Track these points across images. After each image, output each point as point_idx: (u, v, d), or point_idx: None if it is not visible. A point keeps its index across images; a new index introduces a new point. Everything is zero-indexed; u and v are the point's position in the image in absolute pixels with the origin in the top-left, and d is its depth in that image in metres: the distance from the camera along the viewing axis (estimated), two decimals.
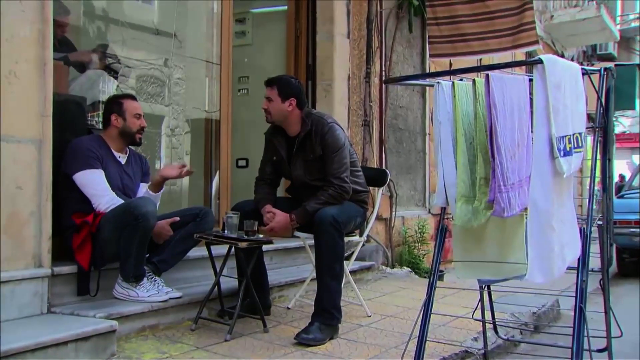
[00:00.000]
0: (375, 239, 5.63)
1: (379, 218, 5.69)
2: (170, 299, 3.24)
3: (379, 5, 5.91)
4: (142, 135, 3.43)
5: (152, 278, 3.23)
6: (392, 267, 5.70)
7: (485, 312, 3.11)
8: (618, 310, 2.75)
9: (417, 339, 2.63)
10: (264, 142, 3.73)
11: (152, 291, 3.19)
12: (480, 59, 5.44)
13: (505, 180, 2.33)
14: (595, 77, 2.55)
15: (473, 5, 4.52)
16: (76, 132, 3.44)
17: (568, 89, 2.33)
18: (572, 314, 2.41)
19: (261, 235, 3.32)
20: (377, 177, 4.00)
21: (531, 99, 2.36)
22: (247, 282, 3.25)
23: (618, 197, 7.49)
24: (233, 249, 3.28)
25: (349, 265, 3.82)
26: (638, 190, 7.44)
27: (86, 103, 3.98)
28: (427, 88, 6.74)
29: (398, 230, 6.16)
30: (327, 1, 5.41)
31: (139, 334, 3.07)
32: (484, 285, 3.04)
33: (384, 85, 5.99)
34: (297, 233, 3.62)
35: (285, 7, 5.57)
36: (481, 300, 3.07)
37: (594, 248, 2.59)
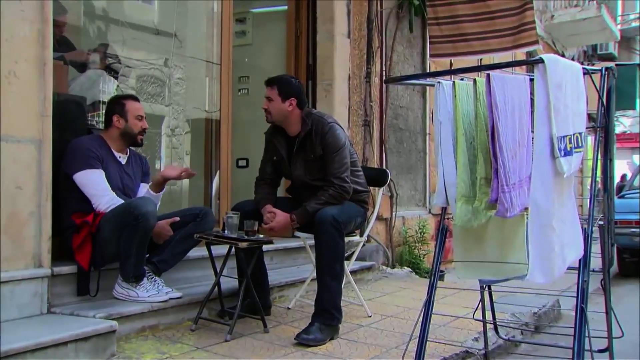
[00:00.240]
0: (375, 239, 5.63)
1: (379, 218, 5.68)
2: (171, 299, 3.24)
3: (379, 5, 5.91)
4: (143, 136, 3.42)
5: (152, 278, 3.23)
6: (393, 267, 5.70)
7: (486, 312, 3.10)
8: (619, 310, 2.75)
9: (417, 339, 2.62)
10: (264, 142, 3.73)
11: (152, 291, 3.18)
12: (481, 59, 5.44)
13: (508, 180, 2.32)
14: (596, 77, 2.54)
15: (474, 5, 4.52)
16: (76, 132, 3.43)
17: (569, 88, 2.33)
18: (573, 314, 2.40)
19: (261, 236, 3.32)
20: (377, 177, 3.99)
21: (532, 99, 2.36)
22: (248, 282, 3.24)
23: (619, 197, 7.48)
24: (233, 249, 3.27)
25: (349, 266, 3.81)
26: (638, 190, 7.43)
27: (86, 103, 3.98)
28: (428, 88, 6.73)
29: (398, 230, 6.16)
30: (327, 1, 5.41)
31: (139, 334, 3.07)
32: (484, 286, 3.04)
33: (384, 85, 5.98)
34: (297, 233, 3.62)
35: (286, 7, 5.57)
36: (482, 300, 3.06)
37: (595, 248, 2.58)
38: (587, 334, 2.39)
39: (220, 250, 3.41)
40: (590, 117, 2.58)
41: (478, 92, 2.45)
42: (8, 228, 2.75)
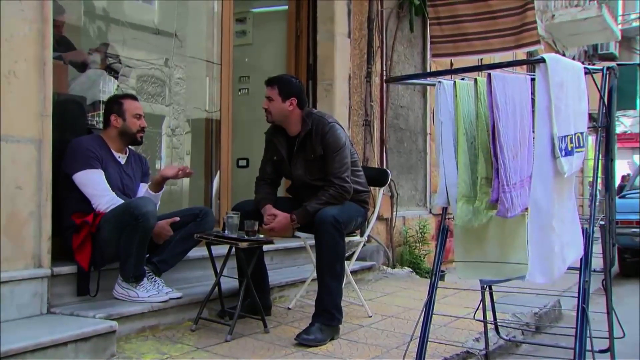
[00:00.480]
0: (376, 239, 5.62)
1: (379, 218, 5.68)
2: (171, 299, 3.23)
3: (379, 4, 5.90)
4: (143, 134, 3.41)
5: (152, 278, 3.22)
6: (393, 267, 5.69)
7: (487, 312, 3.10)
8: (620, 310, 2.74)
9: (418, 339, 2.62)
10: (264, 142, 3.72)
11: (152, 291, 3.17)
12: (481, 59, 5.43)
13: (508, 180, 2.32)
14: (597, 77, 2.53)
15: (475, 4, 4.52)
16: (76, 132, 3.43)
17: (570, 88, 2.32)
18: (574, 314, 2.40)
19: (262, 236, 3.31)
20: (378, 177, 3.99)
21: (533, 99, 2.35)
22: (248, 283, 3.24)
23: (620, 197, 7.48)
24: (233, 249, 3.27)
25: (349, 266, 3.81)
26: (639, 191, 7.43)
27: (86, 103, 3.97)
28: (428, 88, 6.72)
29: (399, 230, 6.15)
30: (327, 1, 5.40)
31: (139, 335, 3.06)
32: (485, 286, 3.03)
33: (384, 85, 5.98)
34: (297, 233, 3.61)
35: (286, 7, 5.56)
36: (482, 300, 3.05)
37: (596, 248, 2.57)
38: (588, 335, 2.38)
39: (220, 250, 3.41)
40: (591, 117, 2.57)
41: (479, 91, 2.44)
42: (8, 228, 2.74)
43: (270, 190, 3.64)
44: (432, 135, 6.95)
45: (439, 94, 2.56)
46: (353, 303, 3.93)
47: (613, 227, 2.65)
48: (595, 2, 10.87)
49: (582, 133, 2.40)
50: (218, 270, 3.31)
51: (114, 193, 3.18)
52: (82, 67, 4.22)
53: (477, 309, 3.10)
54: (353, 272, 4.23)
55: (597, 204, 2.57)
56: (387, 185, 4.06)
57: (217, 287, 3.32)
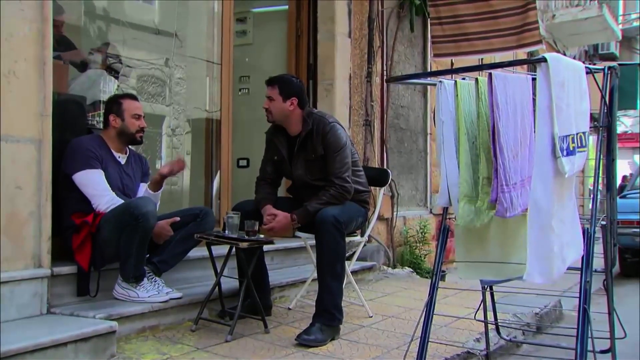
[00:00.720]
0: (376, 239, 5.62)
1: (380, 218, 5.67)
2: (171, 299, 3.23)
3: (380, 4, 5.90)
4: (142, 134, 3.40)
5: (152, 278, 3.22)
6: (394, 267, 5.68)
7: (488, 312, 3.09)
8: (620, 310, 2.73)
9: (419, 339, 2.61)
10: (264, 141, 3.72)
11: (152, 292, 3.17)
12: (482, 59, 5.42)
13: (508, 180, 2.31)
14: (598, 76, 2.53)
15: (476, 4, 4.51)
16: (76, 132, 3.42)
17: (572, 87, 2.31)
18: (575, 314, 2.39)
19: (262, 236, 3.31)
20: (378, 177, 3.98)
21: (534, 99, 2.34)
22: (248, 283, 3.23)
23: (620, 197, 7.47)
24: (234, 249, 3.26)
25: (350, 266, 3.80)
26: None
27: (86, 102, 3.97)
28: (429, 87, 6.72)
29: (399, 230, 6.14)
30: (328, 0, 5.40)
31: (139, 335, 3.06)
32: (486, 286, 3.02)
33: (385, 85, 5.97)
34: (298, 233, 3.61)
35: (286, 7, 5.56)
36: (483, 300, 3.05)
37: (597, 248, 2.57)
38: (589, 335, 2.37)
39: (220, 250, 3.40)
40: (592, 117, 2.57)
41: (480, 91, 2.44)
42: (8, 228, 2.74)
43: (270, 190, 3.63)
44: (432, 135, 6.95)
45: (440, 93, 2.56)
46: (353, 303, 3.93)
47: (614, 227, 2.64)
48: (596, 1, 10.86)
49: (584, 133, 2.39)
50: (218, 271, 3.31)
51: (113, 193, 3.18)
52: (82, 66, 4.21)
53: (477, 309, 3.09)
54: (353, 272, 4.22)
55: (597, 204, 2.56)
56: (387, 185, 4.05)
57: (217, 287, 3.32)
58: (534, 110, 2.34)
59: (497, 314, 3.24)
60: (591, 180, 2.58)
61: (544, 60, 2.22)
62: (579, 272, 2.45)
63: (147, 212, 3.02)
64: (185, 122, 5.32)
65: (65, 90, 3.73)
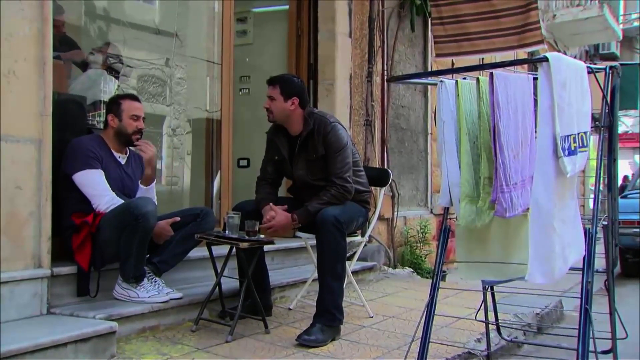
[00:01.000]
0: (377, 239, 5.61)
1: (380, 218, 5.66)
2: (171, 299, 3.22)
3: (380, 4, 5.89)
4: (139, 136, 3.35)
5: (152, 279, 3.21)
6: (394, 267, 5.68)
7: (489, 313, 3.08)
8: (621, 311, 2.73)
9: (419, 340, 2.61)
10: (265, 141, 3.71)
11: (153, 292, 3.16)
12: (482, 58, 5.42)
13: (508, 180, 2.31)
14: (600, 76, 2.52)
15: (477, 4, 4.52)
16: (76, 132, 3.42)
17: (573, 87, 2.31)
18: (576, 314, 2.39)
19: (262, 236, 3.30)
20: (379, 177, 3.98)
21: (535, 100, 2.34)
22: (248, 283, 3.23)
23: (621, 197, 7.46)
24: (234, 250, 3.26)
25: (350, 266, 3.80)
26: None
27: (86, 102, 3.96)
28: (429, 87, 6.71)
29: (400, 230, 6.14)
30: (328, 0, 5.39)
31: (139, 335, 3.05)
32: (487, 286, 3.02)
33: (386, 85, 5.96)
34: (298, 233, 3.61)
35: (287, 7, 5.55)
36: (484, 301, 3.04)
37: (599, 249, 2.56)
38: (591, 336, 2.37)
39: (221, 250, 3.39)
40: (592, 117, 2.56)
41: (481, 91, 2.43)
42: (7, 228, 2.73)
43: (271, 190, 3.63)
44: (433, 135, 6.94)
45: (441, 93, 2.55)
46: (354, 303, 3.92)
47: (616, 228, 2.64)
48: (597, 1, 10.84)
49: (585, 132, 2.38)
50: (218, 271, 3.30)
51: (113, 193, 3.17)
52: (84, 66, 4.21)
53: (478, 310, 3.09)
54: (354, 273, 4.22)
55: (599, 204, 2.56)
56: (388, 185, 4.05)
57: (217, 288, 3.31)
58: (535, 110, 2.33)
59: (498, 314, 3.23)
60: (592, 180, 2.58)
61: (546, 59, 2.21)
62: (580, 272, 2.44)
63: (147, 212, 3.01)
64: (185, 122, 5.31)
65: (65, 90, 3.72)
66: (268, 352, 2.98)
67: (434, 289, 2.62)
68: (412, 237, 6.18)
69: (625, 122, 20.95)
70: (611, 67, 2.50)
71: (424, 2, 6.26)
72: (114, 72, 4.45)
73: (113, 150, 3.33)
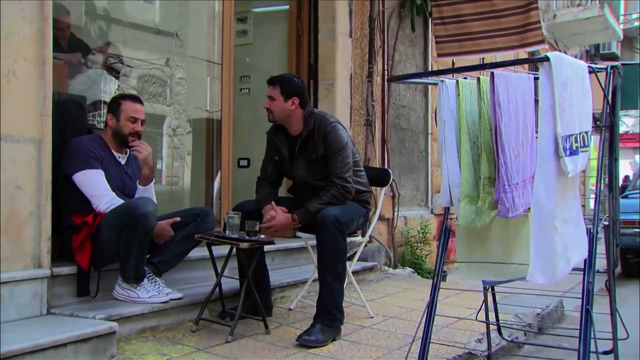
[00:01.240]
0: (377, 239, 5.60)
1: (381, 218, 5.66)
2: (171, 300, 3.22)
3: (381, 4, 5.88)
4: (135, 138, 3.31)
5: (152, 279, 3.21)
6: (395, 267, 5.67)
7: (489, 313, 3.08)
8: (622, 311, 2.72)
9: (420, 340, 2.60)
10: (265, 141, 3.71)
11: (153, 292, 3.16)
12: (483, 58, 5.42)
13: (510, 180, 2.30)
14: (601, 76, 2.51)
15: (478, 4, 4.52)
16: (76, 132, 3.41)
17: (575, 87, 2.30)
18: (576, 315, 2.38)
19: (262, 236, 3.30)
20: (379, 177, 3.97)
21: (536, 100, 2.33)
22: (249, 283, 3.22)
23: (622, 198, 7.46)
24: (234, 250, 3.25)
25: (351, 266, 3.79)
26: None
27: (86, 102, 3.96)
28: (430, 87, 6.71)
29: (400, 230, 6.13)
30: (329, 0, 5.39)
31: (139, 336, 3.05)
32: (487, 286, 3.01)
33: (386, 85, 5.96)
34: (299, 233, 3.60)
35: (287, 6, 5.55)
36: (485, 301, 3.04)
37: (600, 249, 2.56)
38: (592, 336, 2.36)
39: (221, 250, 3.39)
40: (593, 117, 2.55)
41: (482, 90, 2.42)
42: (7, 228, 2.73)
43: (271, 190, 3.62)
44: (433, 135, 6.94)
45: (442, 93, 2.54)
46: (354, 304, 3.91)
47: (617, 228, 2.63)
48: (597, 1, 10.83)
49: (586, 132, 2.38)
50: (219, 271, 3.30)
51: (114, 193, 3.17)
52: (84, 67, 4.20)
53: (479, 310, 3.08)
54: (354, 273, 4.21)
55: (600, 204, 2.55)
56: (388, 185, 4.04)
57: (217, 288, 3.31)
58: (536, 110, 2.32)
59: (499, 314, 3.23)
60: (593, 180, 2.58)
61: (547, 59, 2.20)
62: (581, 272, 2.44)
63: (147, 212, 3.01)
64: (186, 122, 5.30)
65: (65, 90, 3.72)
66: (268, 352, 2.98)
67: (434, 289, 2.62)
68: (412, 237, 6.17)
69: (626, 122, 20.94)
70: (612, 67, 2.50)
71: (424, 2, 6.25)
72: (114, 72, 4.45)
73: (113, 150, 3.33)
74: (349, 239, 3.40)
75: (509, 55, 4.86)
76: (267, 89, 3.52)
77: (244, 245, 3.15)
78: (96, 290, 3.09)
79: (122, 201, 3.14)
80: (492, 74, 2.24)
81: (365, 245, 4.13)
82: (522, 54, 5.98)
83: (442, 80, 2.54)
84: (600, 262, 2.59)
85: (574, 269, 2.45)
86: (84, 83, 4.12)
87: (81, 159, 3.13)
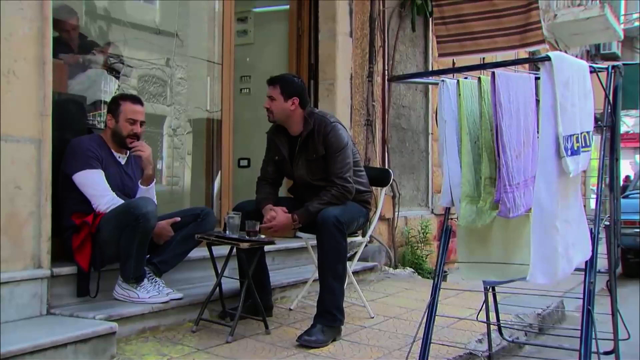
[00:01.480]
0: (378, 240, 5.60)
1: (381, 218, 5.65)
2: (171, 300, 3.21)
3: (381, 4, 5.88)
4: (134, 140, 3.30)
5: (152, 279, 3.20)
6: (395, 267, 5.67)
7: (490, 313, 3.07)
8: (623, 311, 2.72)
9: (421, 340, 2.60)
10: (265, 141, 3.70)
11: (153, 292, 3.16)
12: (484, 58, 5.42)
13: (511, 179, 2.30)
14: (601, 76, 2.51)
15: (479, 3, 4.53)
16: (76, 132, 3.41)
17: (576, 86, 2.30)
18: (578, 315, 2.38)
19: (263, 236, 3.29)
20: (380, 177, 3.97)
21: (537, 100, 2.33)
22: (249, 283, 3.22)
23: (622, 198, 7.45)
24: (234, 250, 3.25)
25: (351, 266, 3.79)
26: None
27: (86, 102, 3.95)
28: (430, 87, 6.70)
29: (401, 230, 6.13)
30: (329, 0, 5.38)
31: (139, 336, 3.04)
32: (488, 287, 3.01)
33: (386, 85, 5.95)
34: (299, 233, 3.60)
35: (287, 6, 5.54)
36: (485, 301, 3.03)
37: (601, 249, 2.55)
38: (593, 336, 2.36)
39: (221, 250, 3.38)
40: (594, 117, 2.55)
41: (483, 90, 2.42)
42: (7, 228, 2.72)
43: (271, 190, 3.62)
44: (434, 135, 6.93)
45: (442, 92, 2.54)
46: (355, 304, 3.91)
47: (618, 228, 2.63)
48: (598, 1, 10.82)
49: (588, 132, 2.37)
50: (219, 271, 3.29)
51: (114, 193, 3.16)
52: (82, 68, 4.20)
53: (480, 310, 3.08)
54: (355, 273, 4.21)
55: (601, 204, 2.55)
56: (389, 185, 4.04)
57: (218, 288, 3.30)
58: (537, 110, 2.32)
59: (500, 314, 3.22)
60: (594, 180, 2.57)
61: (548, 59, 2.20)
62: (581, 272, 2.43)
63: (147, 213, 3.01)
64: (186, 122, 5.30)
65: (65, 90, 3.71)
66: (269, 352, 2.97)
67: (435, 290, 2.61)
68: (413, 238, 6.17)
69: (626, 122, 20.94)
70: (614, 67, 2.49)
71: (424, 1, 6.25)
72: (114, 72, 4.45)
73: (113, 150, 3.32)
74: (349, 239, 3.39)
75: (510, 55, 4.85)
76: (267, 89, 3.51)
77: (244, 245, 3.15)
78: (96, 291, 3.09)
79: (122, 201, 3.13)
80: (493, 73, 2.23)
81: (366, 245, 4.13)
82: (523, 53, 5.97)
83: (442, 80, 2.54)
84: (601, 262, 2.58)
85: (575, 269, 2.44)
86: (84, 83, 4.12)
87: (81, 159, 3.13)
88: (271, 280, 3.72)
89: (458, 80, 2.49)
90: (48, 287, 2.89)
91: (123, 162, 3.37)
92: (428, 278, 5.48)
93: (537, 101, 2.33)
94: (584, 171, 2.54)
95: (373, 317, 3.75)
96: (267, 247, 3.50)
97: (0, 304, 2.65)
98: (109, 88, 4.31)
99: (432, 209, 6.98)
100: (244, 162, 5.32)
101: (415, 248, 6.11)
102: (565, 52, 11.43)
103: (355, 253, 3.94)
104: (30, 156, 2.82)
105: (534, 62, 2.34)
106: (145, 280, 3.16)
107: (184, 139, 5.29)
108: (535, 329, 3.94)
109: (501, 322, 3.29)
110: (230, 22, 4.82)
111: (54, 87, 2.98)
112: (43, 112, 2.87)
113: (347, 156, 3.43)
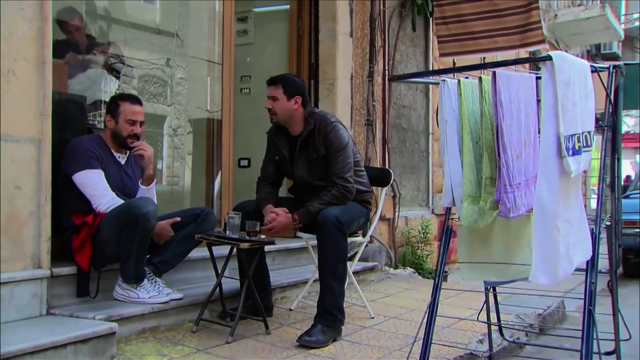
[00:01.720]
0: (378, 240, 5.60)
1: (382, 218, 5.65)
2: (171, 300, 3.21)
3: (382, 4, 5.88)
4: (134, 140, 3.30)
5: (152, 279, 3.20)
6: (395, 267, 5.66)
7: (491, 313, 3.07)
8: (623, 311, 2.71)
9: (421, 341, 2.59)
10: (266, 141, 3.70)
11: (153, 292, 3.15)
12: (484, 58, 5.41)
13: (511, 179, 2.29)
14: (603, 75, 2.50)
15: (480, 3, 4.53)
16: (76, 132, 3.40)
17: (577, 86, 2.29)
18: (578, 315, 2.37)
19: (263, 236, 3.29)
20: (380, 177, 3.96)
21: (538, 100, 2.32)
22: (249, 283, 3.22)
23: (623, 198, 7.43)
24: (235, 250, 3.24)
25: (352, 266, 3.78)
26: None
27: (86, 102, 3.95)
28: (431, 87, 6.69)
29: (401, 230, 6.12)
30: (329, 0, 5.38)
31: (139, 336, 3.04)
32: (489, 287, 3.00)
33: (387, 85, 5.95)
34: (299, 233, 3.59)
35: (288, 6, 5.54)
36: (486, 301, 3.03)
37: (602, 249, 2.55)
38: (594, 337, 2.35)
39: (221, 250, 3.38)
40: (595, 117, 2.54)
41: (483, 90, 2.41)
42: (7, 228, 2.72)
43: (271, 190, 3.61)
44: (434, 134, 6.93)
45: (443, 92, 2.53)
46: (355, 304, 3.91)
47: (619, 228, 2.62)
48: (598, 1, 10.81)
49: (589, 132, 2.37)
50: (219, 271, 3.29)
51: (113, 193, 3.16)
52: (82, 68, 4.20)
53: (480, 310, 3.07)
54: (355, 273, 4.20)
55: (602, 204, 2.54)
56: (389, 185, 4.03)
57: (218, 288, 3.30)
58: (539, 110, 2.31)
59: (500, 315, 3.22)
60: (594, 180, 2.57)
61: (550, 58, 2.19)
62: (582, 273, 2.43)
63: (147, 213, 3.00)
64: (186, 122, 5.30)
65: (65, 90, 3.71)
66: (269, 353, 2.97)
67: (435, 290, 2.61)
68: (413, 238, 6.17)
69: (627, 122, 20.94)
70: (615, 67, 2.49)
71: (425, 1, 6.24)
72: (114, 72, 4.45)
73: (113, 150, 3.32)
74: (349, 239, 3.39)
75: (510, 54, 4.85)
76: (267, 89, 3.50)
77: (245, 245, 3.14)
78: (96, 291, 3.08)
79: (122, 201, 3.13)
80: (494, 73, 2.22)
81: (366, 245, 4.12)
82: (523, 53, 5.97)
83: (443, 80, 2.53)
84: (602, 263, 2.58)
85: (575, 270, 2.43)
86: (84, 83, 4.11)
87: (81, 159, 3.12)
88: (271, 281, 3.71)
89: (459, 80, 2.48)
90: (48, 287, 2.88)
91: (123, 162, 3.37)
92: (428, 278, 5.47)
93: (538, 101, 2.33)
94: (585, 171, 2.54)
95: (373, 318, 3.75)
96: (267, 247, 3.50)
97: (0, 304, 2.64)
98: (109, 88, 4.31)
99: (433, 209, 6.98)
100: (244, 162, 5.32)
101: (416, 248, 6.10)
102: (566, 52, 11.41)
103: (356, 253, 3.93)
104: (30, 156, 2.82)
105: (535, 61, 2.33)
106: (145, 280, 3.16)
107: (184, 139, 5.29)
108: (536, 329, 3.94)
109: (502, 322, 3.28)
110: (231, 22, 4.82)
111: (54, 87, 2.98)
112: (43, 112, 2.87)
113: (348, 156, 3.43)
